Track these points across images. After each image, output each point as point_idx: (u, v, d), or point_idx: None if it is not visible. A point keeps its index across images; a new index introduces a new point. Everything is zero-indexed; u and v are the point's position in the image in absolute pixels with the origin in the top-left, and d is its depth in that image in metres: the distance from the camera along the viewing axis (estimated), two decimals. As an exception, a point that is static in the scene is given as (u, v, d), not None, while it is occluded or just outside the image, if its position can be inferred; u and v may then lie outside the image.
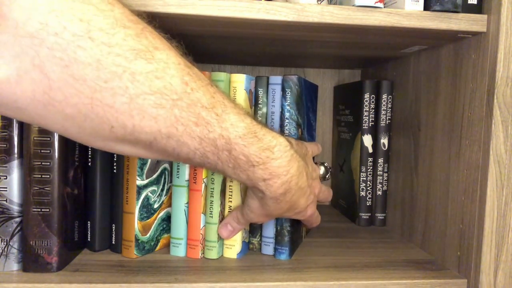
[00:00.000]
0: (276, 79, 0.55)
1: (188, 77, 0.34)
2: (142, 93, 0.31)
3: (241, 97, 0.54)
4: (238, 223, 0.52)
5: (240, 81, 0.54)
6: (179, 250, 0.55)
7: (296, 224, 0.57)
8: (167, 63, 0.33)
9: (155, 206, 0.56)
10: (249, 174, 0.40)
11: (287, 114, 0.54)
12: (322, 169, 0.56)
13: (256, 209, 0.47)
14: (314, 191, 0.50)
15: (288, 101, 0.54)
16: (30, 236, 0.47)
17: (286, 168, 0.41)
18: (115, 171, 0.55)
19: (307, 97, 0.59)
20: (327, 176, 0.57)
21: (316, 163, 0.55)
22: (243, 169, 0.40)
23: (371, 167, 0.73)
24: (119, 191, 0.54)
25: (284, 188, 0.42)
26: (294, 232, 0.56)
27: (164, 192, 0.57)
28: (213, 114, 0.35)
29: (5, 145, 0.47)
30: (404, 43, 0.58)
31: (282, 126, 0.54)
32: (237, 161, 0.39)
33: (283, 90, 0.54)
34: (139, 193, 0.53)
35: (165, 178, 0.57)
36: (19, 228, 0.48)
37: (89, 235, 0.56)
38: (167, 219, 0.58)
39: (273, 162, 0.40)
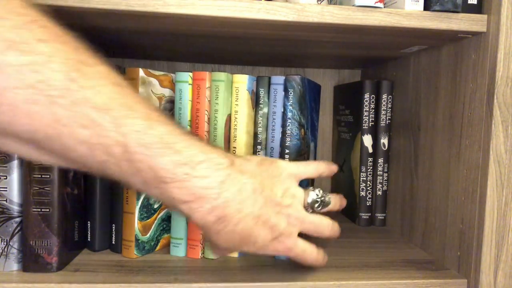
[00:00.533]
0: (278, 79, 0.55)
1: (78, 74, 0.31)
2: (11, 87, 0.29)
3: (244, 97, 0.54)
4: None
5: (242, 82, 0.54)
6: (179, 250, 0.55)
7: None
8: (50, 57, 0.30)
9: (155, 206, 0.56)
10: (162, 192, 0.34)
11: (289, 114, 0.54)
12: (310, 197, 0.44)
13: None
14: (290, 221, 0.41)
15: (291, 101, 0.54)
16: (30, 236, 0.47)
17: (217, 190, 0.35)
18: (115, 171, 0.55)
19: (310, 97, 0.59)
20: (316, 206, 0.45)
21: (308, 187, 0.46)
22: (153, 186, 0.33)
23: (371, 167, 0.73)
24: (119, 191, 0.54)
25: (216, 215, 0.35)
26: None
27: (164, 192, 0.57)
28: (107, 117, 0.31)
29: (5, 145, 0.47)
30: (404, 43, 0.58)
31: (284, 126, 0.54)
32: (144, 175, 0.33)
33: (286, 90, 0.54)
34: (139, 193, 0.53)
35: (165, 178, 0.57)
36: (19, 228, 0.48)
37: (89, 235, 0.55)
38: (167, 219, 0.58)
39: (195, 181, 0.34)
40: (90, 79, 0.31)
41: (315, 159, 0.66)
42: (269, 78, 0.56)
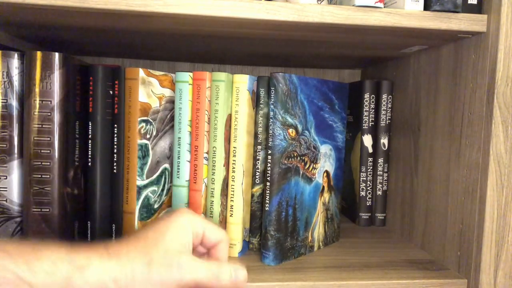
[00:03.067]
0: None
1: None
2: None
3: (245, 97, 0.54)
4: None
5: (243, 82, 0.54)
6: (179, 250, 0.55)
7: (285, 229, 0.56)
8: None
9: (156, 206, 0.56)
10: None
11: (271, 113, 0.52)
12: None
13: None
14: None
15: (273, 100, 0.52)
16: (30, 236, 0.47)
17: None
18: (115, 171, 0.55)
19: (312, 96, 0.57)
20: None
21: None
22: None
23: (371, 167, 0.73)
24: (119, 191, 0.54)
25: None
26: (281, 238, 0.54)
27: (165, 192, 0.57)
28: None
29: (5, 145, 0.47)
30: (404, 43, 0.58)
31: (267, 126, 0.53)
32: None
33: (269, 88, 0.54)
34: (139, 193, 0.53)
35: (165, 178, 0.57)
36: (19, 228, 0.48)
37: (89, 235, 0.56)
38: (167, 219, 0.58)
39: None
40: None
41: (336, 162, 0.66)
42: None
